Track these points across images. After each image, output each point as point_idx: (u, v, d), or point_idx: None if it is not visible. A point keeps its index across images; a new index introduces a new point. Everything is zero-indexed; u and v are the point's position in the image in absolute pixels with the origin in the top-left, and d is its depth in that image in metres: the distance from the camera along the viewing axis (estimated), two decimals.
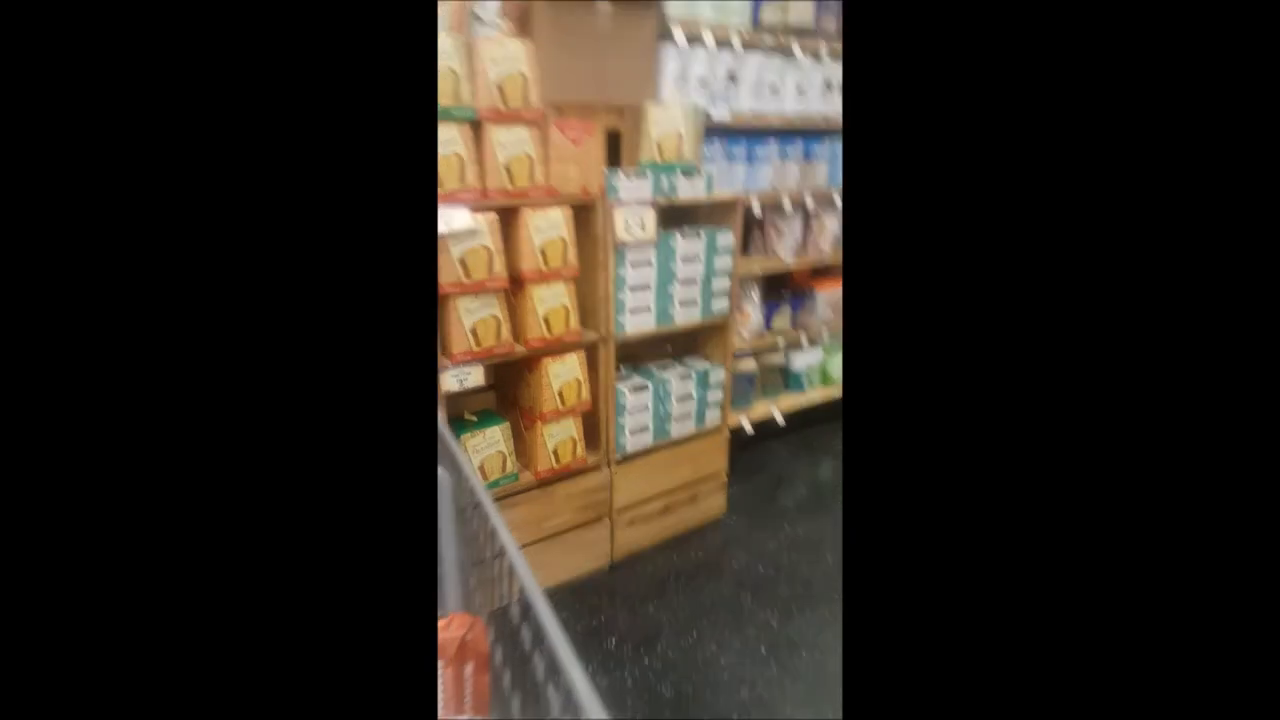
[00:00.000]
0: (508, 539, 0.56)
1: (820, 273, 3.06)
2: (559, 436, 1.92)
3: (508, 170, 1.70)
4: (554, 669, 0.43)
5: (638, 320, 1.99)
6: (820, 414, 3.06)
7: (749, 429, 2.76)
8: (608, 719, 0.38)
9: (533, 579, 0.50)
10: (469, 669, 0.53)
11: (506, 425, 1.86)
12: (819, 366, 3.09)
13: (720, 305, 2.16)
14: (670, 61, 2.25)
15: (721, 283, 2.13)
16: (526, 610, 0.49)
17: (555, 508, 1.96)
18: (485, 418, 1.89)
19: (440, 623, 0.53)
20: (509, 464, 1.87)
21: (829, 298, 3.03)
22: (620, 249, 1.90)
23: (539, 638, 0.46)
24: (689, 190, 1.99)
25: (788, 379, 3.03)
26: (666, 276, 2.01)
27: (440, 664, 0.52)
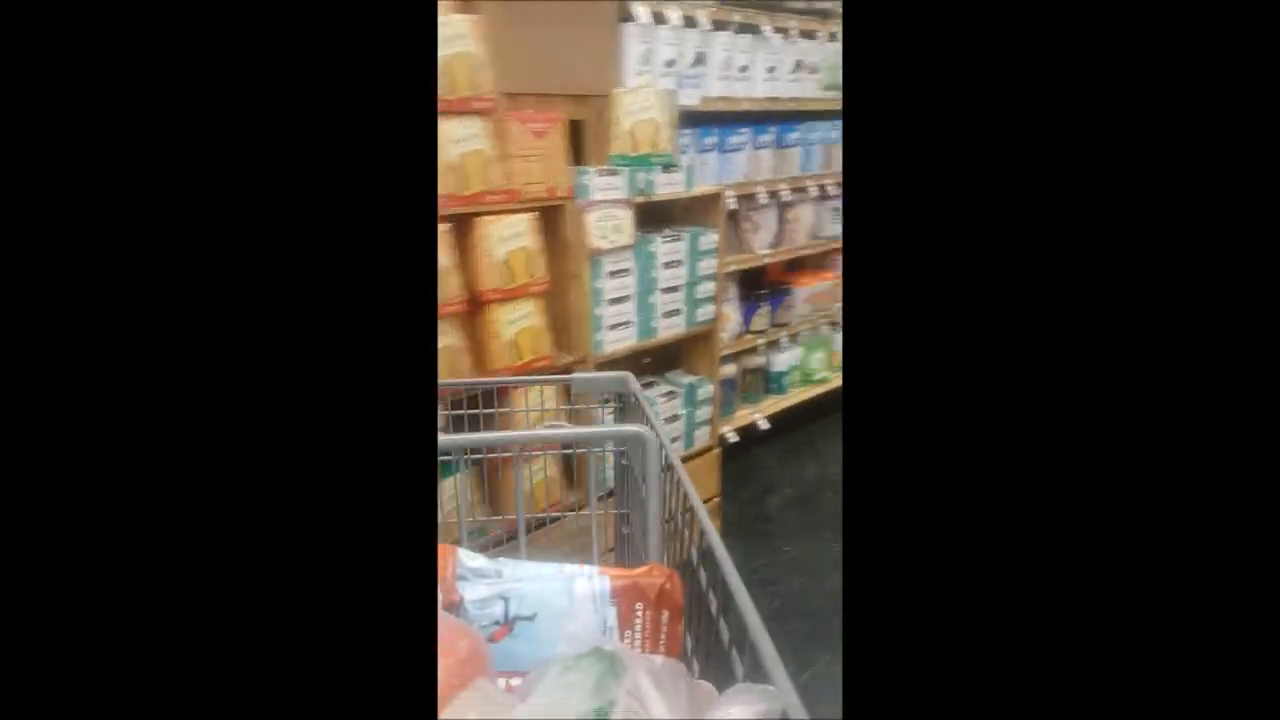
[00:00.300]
0: (697, 503, 0.59)
1: (796, 266, 2.88)
2: (534, 477, 1.67)
3: (460, 170, 1.43)
4: (740, 633, 0.44)
5: (618, 336, 1.75)
6: (804, 415, 2.88)
7: (733, 439, 2.56)
8: (790, 685, 0.39)
9: (720, 542, 0.52)
10: (665, 616, 0.55)
11: (473, 471, 1.59)
12: (799, 366, 2.91)
13: (705, 312, 1.94)
14: (633, 42, 2.01)
15: (706, 288, 1.91)
16: (711, 569, 0.51)
17: (535, 556, 1.71)
18: (444, 466, 1.62)
19: (642, 569, 0.56)
20: (477, 513, 1.61)
21: (807, 293, 2.85)
22: (595, 257, 1.66)
23: (726, 602, 0.48)
24: (668, 186, 1.76)
25: (769, 381, 2.84)
26: (648, 285, 1.77)
27: (640, 606, 0.55)
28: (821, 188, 2.72)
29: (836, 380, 3.04)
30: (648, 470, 0.72)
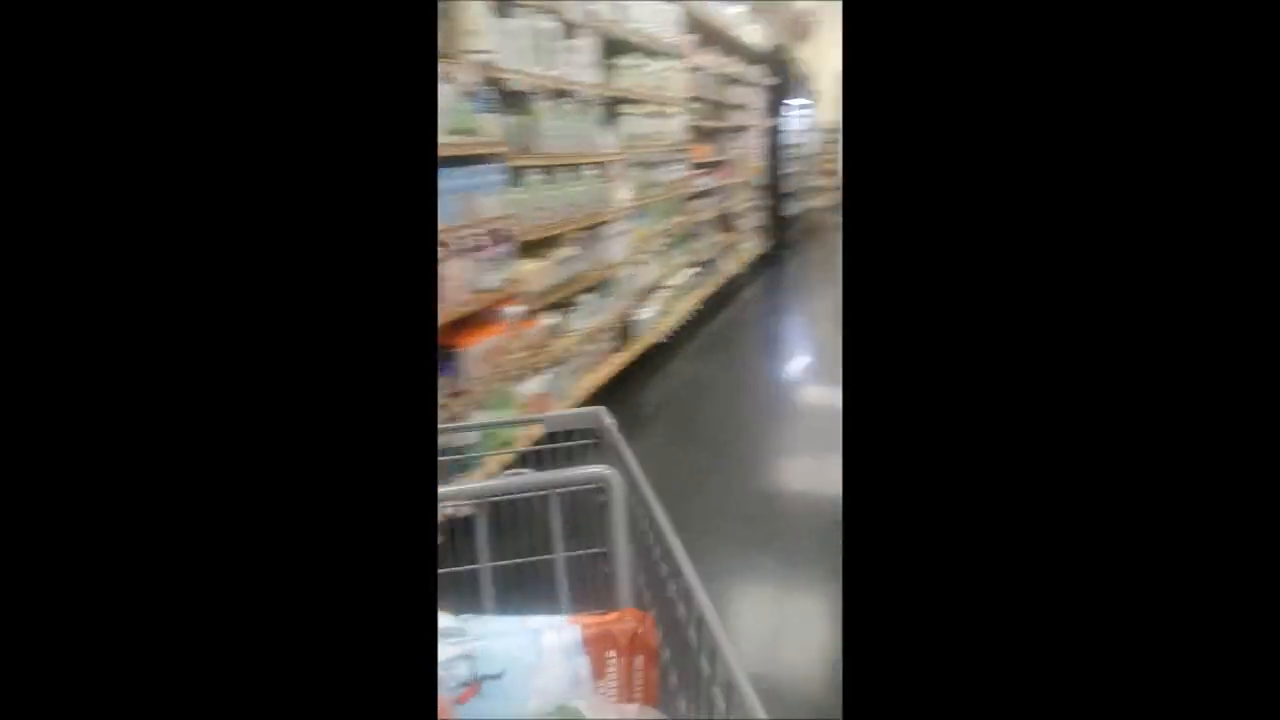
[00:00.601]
0: (674, 541, 0.59)
1: (461, 325, 2.61)
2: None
3: None
4: (718, 670, 0.45)
5: None
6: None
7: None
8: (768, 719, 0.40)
9: (698, 580, 0.52)
10: (639, 661, 0.53)
11: None
12: (491, 433, 2.65)
13: None
14: None
15: None
16: (692, 610, 0.51)
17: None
18: None
19: (614, 615, 0.55)
20: None
21: (480, 351, 2.61)
22: None
23: (704, 638, 0.48)
24: None
25: (452, 460, 2.51)
26: None
27: (613, 653, 0.53)
28: (470, 239, 2.50)
29: (525, 438, 2.85)
30: (613, 511, 0.69)
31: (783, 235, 8.03)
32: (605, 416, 0.92)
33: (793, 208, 8.48)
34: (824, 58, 10.62)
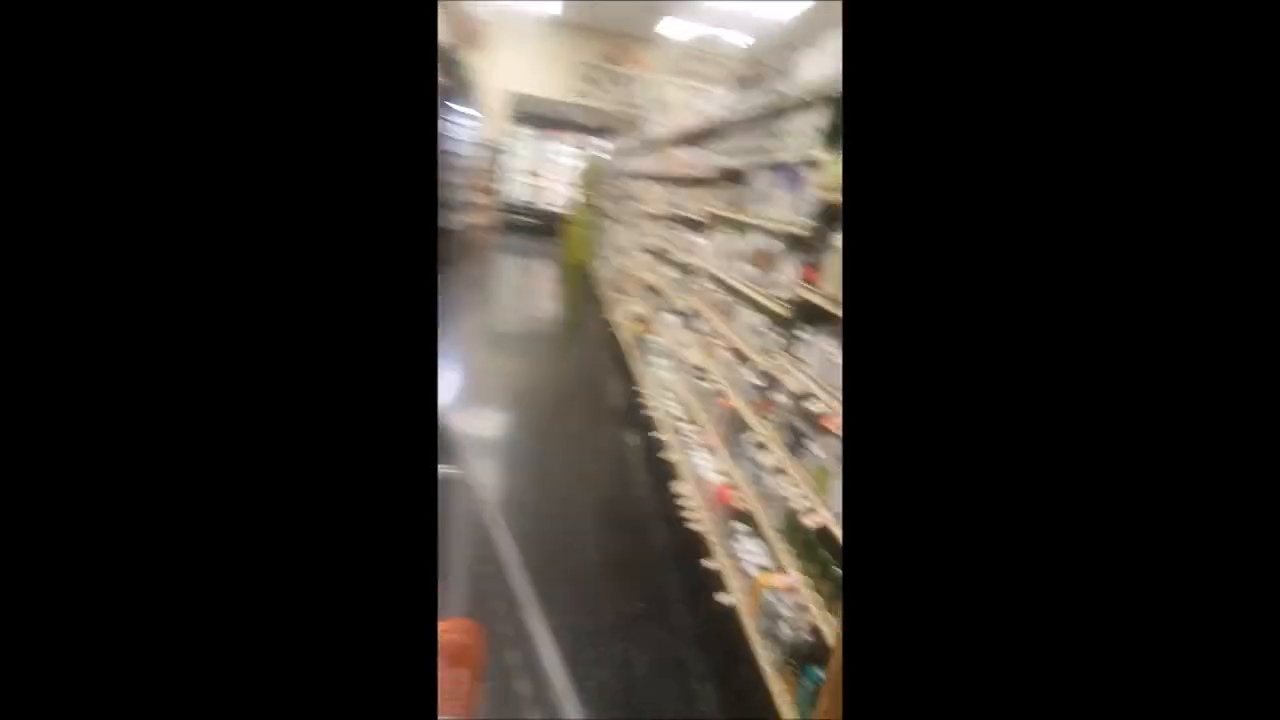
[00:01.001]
0: (509, 550, 0.62)
1: None
2: None
3: None
4: (542, 682, 0.48)
5: None
6: None
7: None
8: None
9: (529, 590, 0.55)
10: (463, 674, 0.55)
11: None
12: None
13: None
14: None
15: None
16: (519, 621, 0.54)
17: None
18: None
19: (444, 624, 0.56)
20: None
21: None
22: None
23: (529, 650, 0.51)
24: None
25: None
26: None
27: (440, 664, 0.53)
28: None
29: None
30: (459, 516, 0.71)
31: (440, 248, 7.45)
32: (452, 419, 0.67)
33: (451, 221, 7.96)
34: (495, 71, 10.44)
